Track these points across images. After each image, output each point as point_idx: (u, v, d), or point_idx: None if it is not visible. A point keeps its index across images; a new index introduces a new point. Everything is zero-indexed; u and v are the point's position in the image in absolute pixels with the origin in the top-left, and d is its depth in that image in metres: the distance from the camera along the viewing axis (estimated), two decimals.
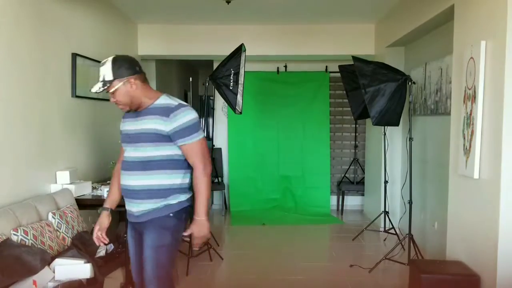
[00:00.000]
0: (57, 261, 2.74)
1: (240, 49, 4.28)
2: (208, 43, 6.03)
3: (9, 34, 3.13)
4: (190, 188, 2.38)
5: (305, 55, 6.17)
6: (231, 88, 4.42)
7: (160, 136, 2.23)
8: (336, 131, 7.11)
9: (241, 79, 4.39)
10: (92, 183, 4.14)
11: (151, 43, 6.07)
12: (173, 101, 2.28)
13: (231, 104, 4.53)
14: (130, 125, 2.33)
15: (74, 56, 4.08)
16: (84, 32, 4.39)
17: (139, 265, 2.39)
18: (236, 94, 4.46)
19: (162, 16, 5.66)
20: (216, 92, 6.13)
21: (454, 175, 3.55)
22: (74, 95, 4.10)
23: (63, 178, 3.73)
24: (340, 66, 5.26)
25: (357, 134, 7.02)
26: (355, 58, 4.37)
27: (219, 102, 7.08)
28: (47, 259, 2.65)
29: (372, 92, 4.24)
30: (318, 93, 6.83)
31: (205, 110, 5.01)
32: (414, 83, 4.42)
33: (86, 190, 3.87)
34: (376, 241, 5.31)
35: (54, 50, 3.78)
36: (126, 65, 2.23)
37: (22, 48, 3.30)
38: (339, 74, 5.42)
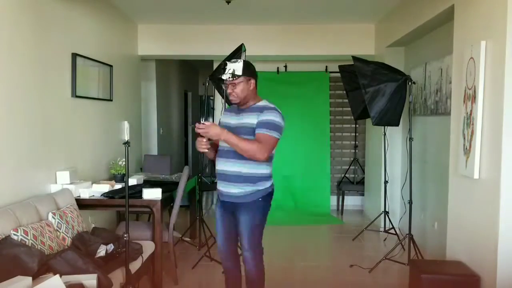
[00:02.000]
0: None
1: (240, 49, 4.27)
2: (208, 43, 6.03)
3: (9, 34, 3.13)
4: (272, 176, 2.89)
5: (305, 55, 6.17)
6: None
7: (254, 130, 2.68)
8: (336, 131, 7.11)
9: None
10: (92, 183, 4.13)
11: (151, 43, 6.07)
12: (271, 105, 2.79)
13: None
14: (231, 119, 2.85)
15: (74, 56, 4.08)
16: (84, 32, 4.38)
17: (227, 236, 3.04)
18: None
19: (162, 16, 5.66)
20: (216, 92, 6.13)
21: (454, 175, 3.55)
22: (74, 95, 4.09)
23: (63, 178, 3.73)
24: (340, 66, 5.26)
25: (357, 134, 7.02)
26: (355, 58, 4.37)
27: (219, 102, 7.08)
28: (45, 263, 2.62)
29: (372, 92, 4.24)
30: (318, 93, 6.83)
31: (205, 110, 5.01)
32: (414, 83, 4.42)
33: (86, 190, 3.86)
34: (376, 241, 5.31)
35: (54, 50, 3.77)
36: (252, 68, 2.79)
37: (22, 48, 3.29)
38: (339, 74, 5.41)
